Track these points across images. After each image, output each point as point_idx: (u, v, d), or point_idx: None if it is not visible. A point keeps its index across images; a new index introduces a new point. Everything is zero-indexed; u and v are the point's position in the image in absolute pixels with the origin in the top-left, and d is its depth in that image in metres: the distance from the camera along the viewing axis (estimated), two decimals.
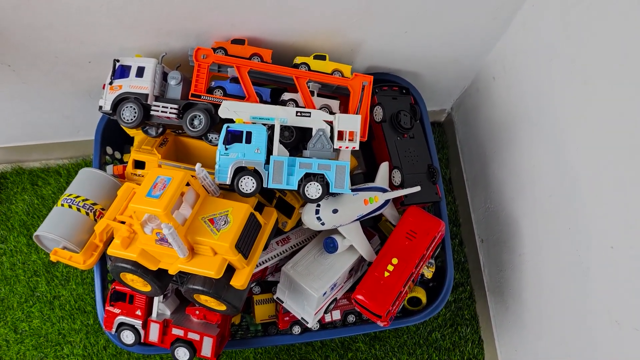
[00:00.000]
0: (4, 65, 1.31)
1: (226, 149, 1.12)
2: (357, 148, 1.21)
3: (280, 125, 1.18)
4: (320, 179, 1.15)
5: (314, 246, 1.36)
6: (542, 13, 1.26)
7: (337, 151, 1.22)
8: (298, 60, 1.31)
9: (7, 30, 1.17)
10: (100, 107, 1.22)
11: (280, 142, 1.17)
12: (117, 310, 1.26)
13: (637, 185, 1.02)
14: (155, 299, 1.27)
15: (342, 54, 1.42)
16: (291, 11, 1.22)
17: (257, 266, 1.29)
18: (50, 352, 1.69)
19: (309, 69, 1.30)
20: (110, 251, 1.08)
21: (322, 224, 1.22)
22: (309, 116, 1.19)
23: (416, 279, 1.33)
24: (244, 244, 1.08)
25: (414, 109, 1.44)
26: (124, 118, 1.21)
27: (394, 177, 1.37)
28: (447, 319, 1.80)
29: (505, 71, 1.49)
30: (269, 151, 1.15)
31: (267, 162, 1.14)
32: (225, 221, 1.07)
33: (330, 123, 1.20)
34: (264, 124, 1.16)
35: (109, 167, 1.42)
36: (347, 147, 1.21)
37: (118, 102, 1.21)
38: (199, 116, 1.20)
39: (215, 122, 1.21)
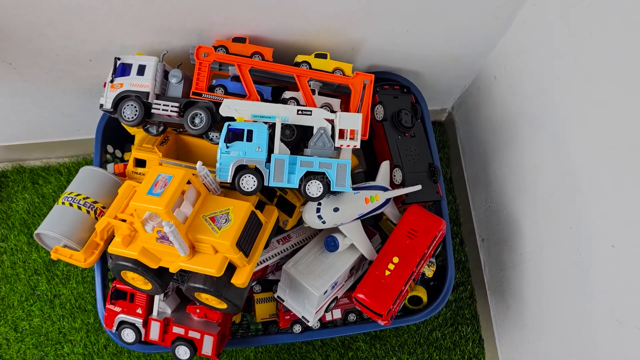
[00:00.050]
0: (5, 63, 1.31)
1: (227, 147, 1.12)
2: (358, 146, 1.21)
3: (282, 124, 1.18)
4: (321, 177, 1.15)
5: (314, 245, 1.36)
6: (543, 12, 1.26)
7: (338, 150, 1.22)
8: (299, 58, 1.31)
9: (9, 28, 1.17)
10: (101, 106, 1.22)
11: (282, 140, 1.17)
12: (117, 309, 1.26)
13: (638, 184, 1.02)
14: (156, 298, 1.27)
15: (343, 53, 1.42)
16: (292, 10, 1.22)
17: (257, 265, 1.29)
18: (51, 351, 1.69)
19: (310, 68, 1.30)
20: (111, 249, 1.08)
21: (323, 222, 1.21)
22: (310, 114, 1.19)
23: (417, 277, 1.33)
24: (245, 242, 1.08)
25: (415, 108, 1.44)
26: (125, 116, 1.21)
27: (395, 175, 1.36)
28: (448, 318, 1.80)
29: (506, 70, 1.48)
30: (270, 149, 1.15)
31: (268, 160, 1.14)
32: (226, 219, 1.07)
33: (331, 121, 1.20)
34: (265, 123, 1.16)
35: (110, 166, 1.42)
36: (348, 146, 1.20)
37: (119, 101, 1.21)
38: (200, 114, 1.20)
39: (216, 121, 1.21)
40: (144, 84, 1.20)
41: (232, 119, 1.16)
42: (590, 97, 1.14)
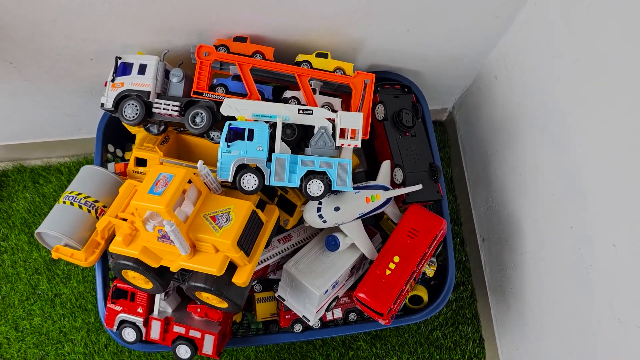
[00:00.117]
0: (5, 62, 1.31)
1: (228, 146, 1.12)
2: (359, 146, 1.21)
3: (283, 123, 1.18)
4: (322, 176, 1.15)
5: (315, 244, 1.36)
6: (544, 11, 1.26)
7: (339, 149, 1.22)
8: (300, 58, 1.31)
9: (9, 26, 1.17)
10: (102, 105, 1.22)
11: (283, 139, 1.17)
12: (118, 308, 1.26)
13: (639, 183, 1.02)
14: (157, 297, 1.27)
15: (344, 52, 1.42)
16: (293, 9, 1.22)
17: (258, 264, 1.29)
18: (51, 350, 1.69)
19: (311, 67, 1.30)
20: (112, 248, 1.08)
21: (324, 221, 1.21)
22: (311, 114, 1.19)
23: (418, 277, 1.33)
24: (246, 241, 1.08)
25: (416, 108, 1.44)
26: (126, 115, 1.21)
27: (395, 175, 1.36)
28: (448, 317, 1.80)
29: (507, 70, 1.48)
30: (271, 149, 1.15)
31: (269, 159, 1.14)
32: (227, 218, 1.07)
33: (332, 121, 1.20)
34: (266, 122, 1.16)
35: (111, 165, 1.42)
36: (349, 145, 1.20)
37: (120, 100, 1.21)
38: (201, 114, 1.20)
39: (217, 120, 1.21)
40: (145, 83, 1.20)
41: (233, 118, 1.16)
42: (591, 97, 1.14)
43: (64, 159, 1.90)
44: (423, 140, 1.42)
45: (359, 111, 1.31)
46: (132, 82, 1.21)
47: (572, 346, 1.29)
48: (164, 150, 1.30)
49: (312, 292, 1.25)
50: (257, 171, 1.13)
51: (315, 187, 1.15)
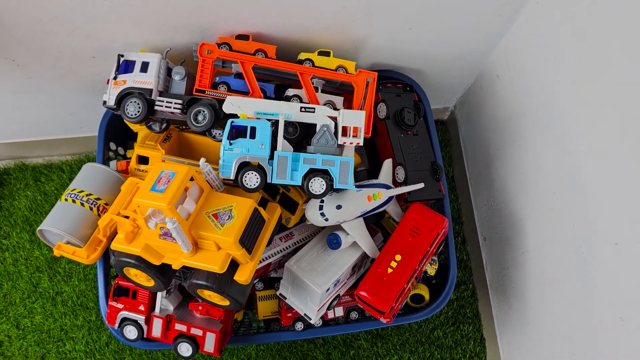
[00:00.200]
0: (8, 59, 1.31)
1: (230, 144, 1.12)
2: (361, 144, 1.21)
3: (285, 121, 1.18)
4: (324, 174, 1.15)
5: (317, 242, 1.36)
6: (546, 10, 1.26)
7: (341, 147, 1.22)
8: (302, 56, 1.31)
9: (12, 24, 1.17)
10: (105, 102, 1.22)
11: (285, 137, 1.17)
12: (120, 306, 1.26)
13: None
14: (159, 294, 1.27)
15: (346, 51, 1.42)
16: (296, 7, 1.22)
17: (260, 262, 1.29)
18: (53, 348, 1.69)
19: (313, 65, 1.30)
20: (114, 246, 1.08)
21: (326, 220, 1.21)
22: (313, 112, 1.19)
23: (419, 275, 1.33)
24: (248, 239, 1.08)
25: (418, 106, 1.44)
26: (128, 113, 1.21)
27: (397, 174, 1.36)
28: (449, 317, 1.80)
29: (509, 68, 1.48)
30: (273, 147, 1.15)
31: (271, 157, 1.14)
32: (229, 216, 1.07)
33: (334, 119, 1.20)
34: (268, 120, 1.16)
35: (113, 163, 1.42)
36: (351, 143, 1.21)
37: (122, 97, 1.21)
38: (203, 111, 1.20)
39: (219, 118, 1.21)
40: (147, 80, 1.20)
41: (235, 116, 1.16)
42: (593, 96, 1.14)
43: (66, 157, 1.90)
44: (425, 139, 1.42)
45: (361, 109, 1.31)
46: (134, 79, 1.21)
47: (574, 345, 1.29)
48: (166, 148, 1.30)
49: (314, 290, 1.25)
50: (259, 169, 1.13)
51: (317, 185, 1.15)
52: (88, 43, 1.28)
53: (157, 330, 1.26)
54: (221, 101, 1.19)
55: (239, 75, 1.26)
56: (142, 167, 1.31)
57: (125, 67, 1.22)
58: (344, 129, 1.20)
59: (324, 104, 1.30)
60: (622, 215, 1.08)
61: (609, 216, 1.12)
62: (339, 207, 1.21)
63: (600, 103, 1.12)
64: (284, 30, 1.31)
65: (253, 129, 1.13)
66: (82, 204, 1.20)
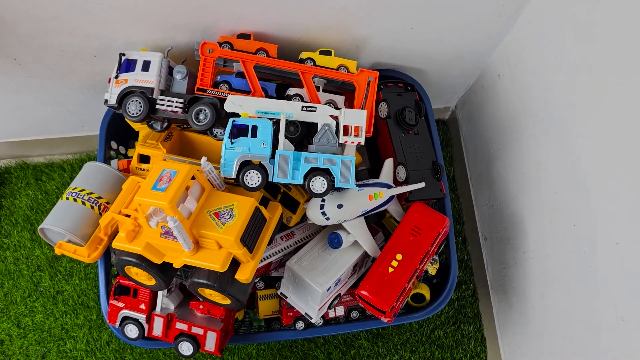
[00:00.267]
0: (9, 58, 1.31)
1: (232, 143, 1.12)
2: (363, 143, 1.21)
3: (286, 120, 1.18)
4: (326, 173, 1.15)
5: (318, 241, 1.36)
6: (547, 10, 1.26)
7: (342, 146, 1.22)
8: (304, 55, 1.31)
9: (14, 22, 1.17)
10: (106, 101, 1.22)
11: (286, 136, 1.17)
12: (121, 304, 1.27)
13: None
14: (160, 293, 1.27)
15: (347, 50, 1.42)
16: (297, 6, 1.22)
17: (261, 261, 1.29)
18: (53, 347, 1.69)
19: (315, 64, 1.30)
20: (115, 244, 1.08)
21: (327, 219, 1.21)
22: (315, 111, 1.19)
23: (420, 275, 1.33)
24: (249, 238, 1.08)
25: (419, 106, 1.44)
26: (130, 112, 1.21)
27: (398, 173, 1.36)
28: (450, 316, 1.80)
29: (510, 68, 1.48)
30: (275, 146, 1.15)
31: (273, 156, 1.14)
32: (230, 215, 1.07)
33: (335, 118, 1.20)
34: (270, 119, 1.16)
35: (114, 162, 1.43)
36: (352, 142, 1.21)
37: (124, 96, 1.21)
38: (205, 110, 1.20)
39: (220, 117, 1.21)
40: (149, 79, 1.21)
41: (237, 115, 1.16)
42: (595, 95, 1.14)
43: (67, 156, 1.90)
44: (426, 139, 1.42)
45: (362, 109, 1.31)
46: (135, 78, 1.21)
47: (575, 345, 1.29)
48: (167, 147, 1.30)
49: (315, 289, 1.25)
50: (261, 168, 1.13)
51: (318, 184, 1.15)
52: (89, 42, 1.28)
53: (158, 329, 1.27)
54: (222, 100, 1.19)
55: (241, 74, 1.26)
56: (144, 166, 1.31)
57: (127, 66, 1.22)
58: (345, 128, 1.20)
59: (326, 103, 1.30)
60: (623, 215, 1.08)
61: (610, 216, 1.12)
62: (340, 206, 1.21)
63: (602, 103, 1.12)
64: (285, 30, 1.31)
65: (254, 128, 1.13)
66: (84, 203, 1.20)
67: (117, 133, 1.47)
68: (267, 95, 1.27)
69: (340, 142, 1.20)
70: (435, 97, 1.73)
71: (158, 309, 1.27)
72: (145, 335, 1.27)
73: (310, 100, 1.28)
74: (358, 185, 1.26)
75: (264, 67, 1.27)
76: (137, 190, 1.13)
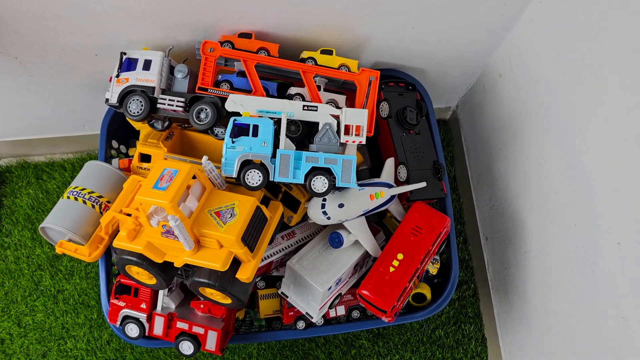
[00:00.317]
0: (10, 57, 1.31)
1: (233, 142, 1.12)
2: (364, 142, 1.21)
3: (287, 119, 1.18)
4: (327, 173, 1.15)
5: (319, 241, 1.36)
6: (549, 9, 1.26)
7: (343, 145, 1.22)
8: (305, 54, 1.31)
9: (15, 21, 1.17)
10: (107, 100, 1.22)
11: (287, 136, 1.17)
12: (121, 304, 1.26)
13: None
14: (160, 293, 1.27)
15: (348, 49, 1.42)
16: (298, 5, 1.22)
17: (262, 260, 1.29)
18: (54, 346, 1.69)
19: (316, 64, 1.30)
20: (116, 243, 1.07)
21: (328, 218, 1.21)
22: (316, 110, 1.19)
23: (421, 274, 1.33)
24: (250, 237, 1.08)
25: (420, 105, 1.44)
26: (131, 111, 1.21)
27: (399, 172, 1.36)
28: (451, 316, 1.79)
29: (512, 68, 1.48)
30: (276, 145, 1.14)
31: (274, 155, 1.13)
32: (231, 214, 1.07)
33: (336, 117, 1.20)
34: (271, 118, 1.16)
35: (115, 161, 1.43)
36: (353, 142, 1.20)
37: (125, 95, 1.21)
38: (206, 109, 1.20)
39: (221, 116, 1.21)
40: (150, 78, 1.21)
41: (238, 114, 1.16)
42: (597, 95, 1.14)
43: (68, 155, 1.90)
44: (427, 138, 1.42)
45: (363, 108, 1.31)
46: (137, 77, 1.21)
47: (576, 345, 1.29)
48: (168, 146, 1.30)
49: (316, 289, 1.25)
50: (262, 167, 1.13)
51: (319, 184, 1.15)
52: (90, 41, 1.28)
53: (158, 328, 1.27)
54: (224, 99, 1.19)
55: (242, 74, 1.26)
56: (145, 165, 1.31)
57: (128, 65, 1.22)
58: (347, 128, 1.19)
59: (327, 103, 1.30)
60: (625, 215, 1.08)
61: (612, 216, 1.12)
62: (341, 205, 1.21)
63: (604, 103, 1.12)
64: (286, 29, 1.31)
65: (255, 127, 1.13)
66: (85, 202, 1.20)
67: (118, 132, 1.47)
68: (269, 95, 1.27)
69: (342, 141, 1.19)
70: (436, 96, 1.73)
71: (159, 308, 1.27)
72: (146, 334, 1.27)
73: (312, 100, 1.28)
74: (359, 185, 1.26)
75: (265, 67, 1.27)
76: (138, 189, 1.13)
